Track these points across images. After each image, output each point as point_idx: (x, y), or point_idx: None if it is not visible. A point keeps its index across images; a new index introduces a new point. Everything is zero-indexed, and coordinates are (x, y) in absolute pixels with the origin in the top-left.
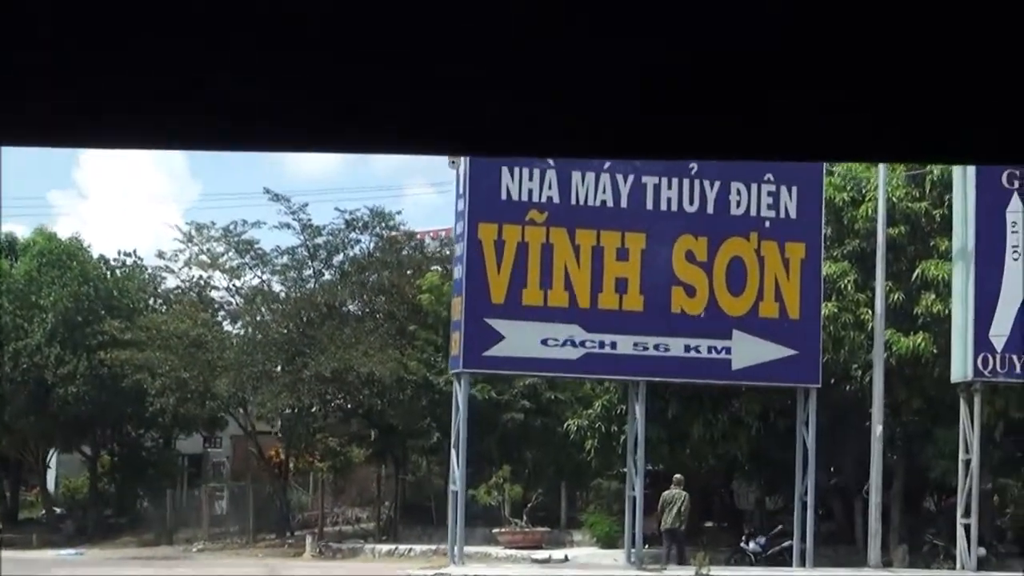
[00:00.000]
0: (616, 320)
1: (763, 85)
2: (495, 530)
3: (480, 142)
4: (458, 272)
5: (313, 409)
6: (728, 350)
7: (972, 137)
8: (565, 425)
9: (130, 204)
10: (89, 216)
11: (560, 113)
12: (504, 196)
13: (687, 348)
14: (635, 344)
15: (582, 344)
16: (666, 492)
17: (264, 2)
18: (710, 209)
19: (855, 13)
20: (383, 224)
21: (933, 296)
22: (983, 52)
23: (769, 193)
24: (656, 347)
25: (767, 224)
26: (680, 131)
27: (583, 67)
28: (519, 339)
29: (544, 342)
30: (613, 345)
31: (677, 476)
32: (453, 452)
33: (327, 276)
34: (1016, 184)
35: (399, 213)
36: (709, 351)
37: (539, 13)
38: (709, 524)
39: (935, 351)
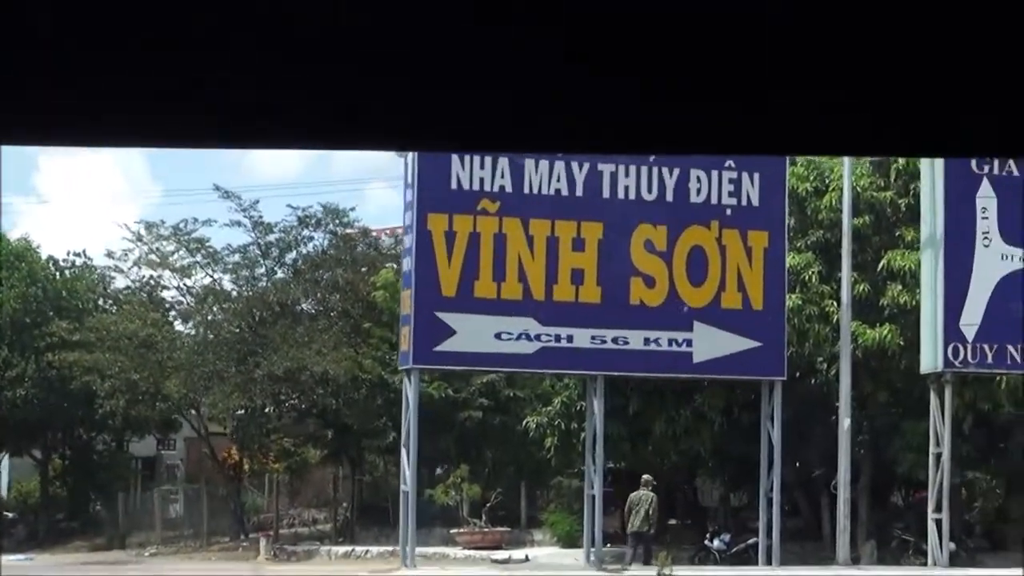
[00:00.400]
0: (572, 313)
1: (760, 81)
2: (453, 531)
3: (482, 139)
4: (407, 264)
5: (267, 409)
6: (689, 342)
7: (970, 131)
8: (524, 423)
9: (89, 207)
10: (47, 219)
11: (560, 110)
12: (454, 186)
13: (646, 341)
14: (592, 337)
15: (537, 338)
16: (633, 493)
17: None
18: (669, 197)
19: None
20: (337, 221)
21: (899, 287)
22: (976, 47)
23: (730, 180)
24: (614, 340)
25: (728, 212)
26: (678, 127)
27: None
28: (471, 333)
29: (498, 336)
30: (570, 338)
31: (645, 476)
32: (403, 451)
33: (280, 274)
34: (986, 169)
35: (353, 210)
36: (669, 344)
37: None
38: (673, 522)
39: (902, 343)
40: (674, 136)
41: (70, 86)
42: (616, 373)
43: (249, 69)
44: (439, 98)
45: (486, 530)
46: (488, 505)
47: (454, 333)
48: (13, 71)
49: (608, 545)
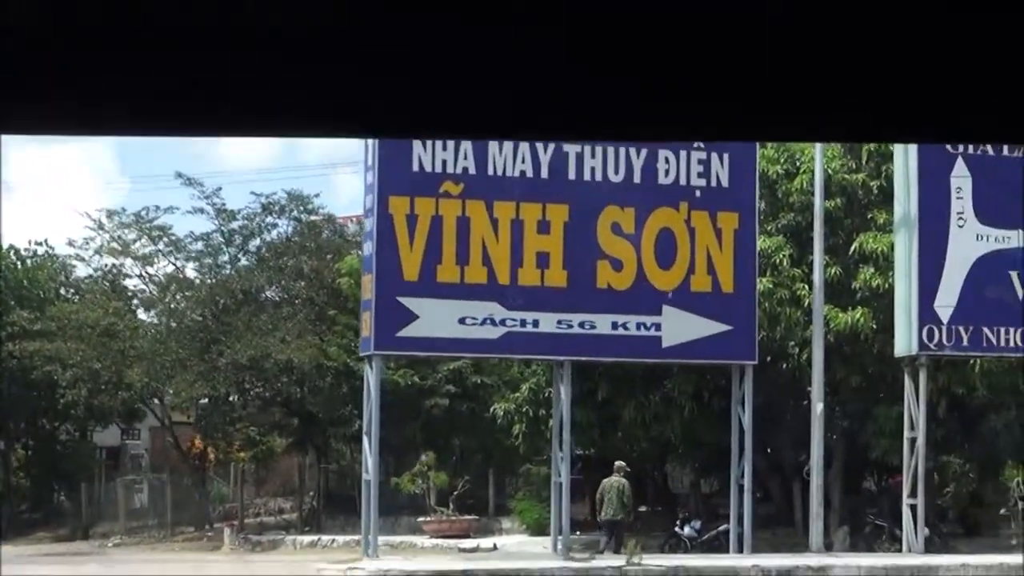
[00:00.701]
0: (538, 297)
1: (756, 69)
2: (420, 519)
3: (479, 126)
4: (368, 249)
5: (231, 398)
6: (658, 326)
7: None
8: (492, 410)
9: (54, 196)
10: (10, 210)
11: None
12: (416, 168)
13: (614, 325)
14: (559, 322)
15: (502, 323)
16: (606, 480)
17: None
18: (637, 178)
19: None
20: (302, 208)
21: (872, 270)
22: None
23: (699, 161)
24: (581, 324)
25: (698, 193)
26: (673, 114)
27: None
28: (434, 318)
29: (461, 321)
30: (535, 323)
31: (618, 463)
32: (365, 439)
33: (244, 262)
34: (960, 148)
35: (317, 196)
36: (638, 328)
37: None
38: (643, 509)
39: (874, 327)
40: (647, 123)
41: (66, 78)
42: (583, 358)
43: (249, 66)
44: (432, 91)
45: (453, 519)
46: (455, 493)
47: (417, 318)
48: (12, 61)
49: (577, 533)
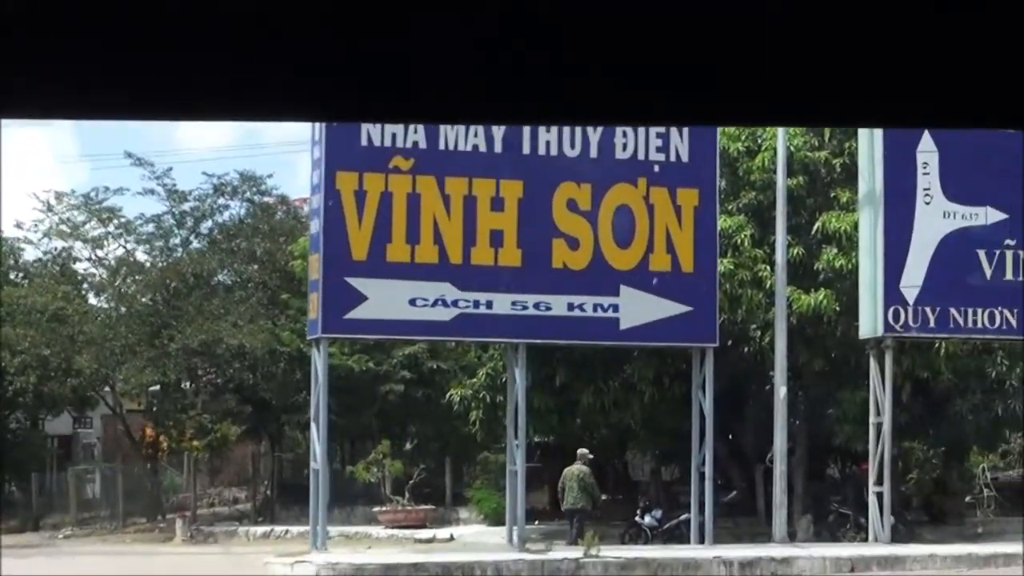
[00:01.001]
0: (492, 277)
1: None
2: (375, 509)
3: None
4: (315, 227)
5: (182, 385)
6: (616, 308)
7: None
8: (448, 396)
9: (10, 179)
10: None
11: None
12: (364, 142)
13: (570, 307)
14: (513, 303)
15: (454, 304)
16: (568, 468)
17: None
18: (593, 153)
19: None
20: (254, 189)
21: (835, 250)
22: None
23: (658, 135)
24: (536, 306)
25: (656, 169)
26: (657, 99)
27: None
28: (384, 299)
29: (412, 302)
30: (489, 304)
31: (580, 451)
32: (313, 426)
33: (196, 244)
34: None
35: (270, 176)
36: (595, 309)
37: None
38: (603, 497)
39: (838, 309)
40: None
41: (62, 61)
42: (538, 341)
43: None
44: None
45: (409, 508)
46: (412, 482)
47: (366, 300)
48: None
49: (536, 522)
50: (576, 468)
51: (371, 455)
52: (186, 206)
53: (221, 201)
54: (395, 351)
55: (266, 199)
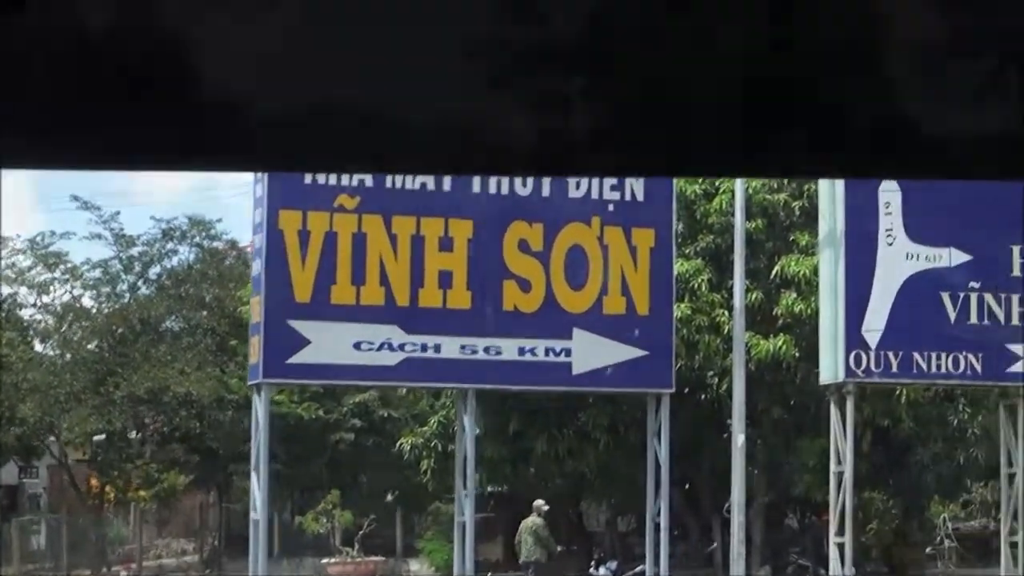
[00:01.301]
0: (440, 320)
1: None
2: (324, 560)
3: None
4: (256, 268)
5: (128, 434)
6: (568, 352)
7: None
8: (399, 444)
9: None
10: None
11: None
12: (308, 179)
13: (521, 351)
14: (462, 347)
15: (401, 347)
16: (524, 520)
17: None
18: (545, 191)
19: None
20: (203, 233)
21: (794, 295)
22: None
23: None
24: (486, 350)
25: (610, 208)
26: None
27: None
28: (328, 343)
29: (357, 346)
30: (437, 348)
31: (536, 502)
32: (254, 475)
33: (144, 290)
34: None
35: (219, 221)
36: (547, 353)
37: None
38: (559, 549)
39: (797, 355)
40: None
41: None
42: (488, 386)
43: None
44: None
45: (359, 560)
46: (362, 533)
47: (309, 343)
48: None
49: (490, 575)
50: (531, 520)
51: (320, 505)
52: (134, 251)
53: (170, 246)
54: (346, 398)
55: (215, 244)
